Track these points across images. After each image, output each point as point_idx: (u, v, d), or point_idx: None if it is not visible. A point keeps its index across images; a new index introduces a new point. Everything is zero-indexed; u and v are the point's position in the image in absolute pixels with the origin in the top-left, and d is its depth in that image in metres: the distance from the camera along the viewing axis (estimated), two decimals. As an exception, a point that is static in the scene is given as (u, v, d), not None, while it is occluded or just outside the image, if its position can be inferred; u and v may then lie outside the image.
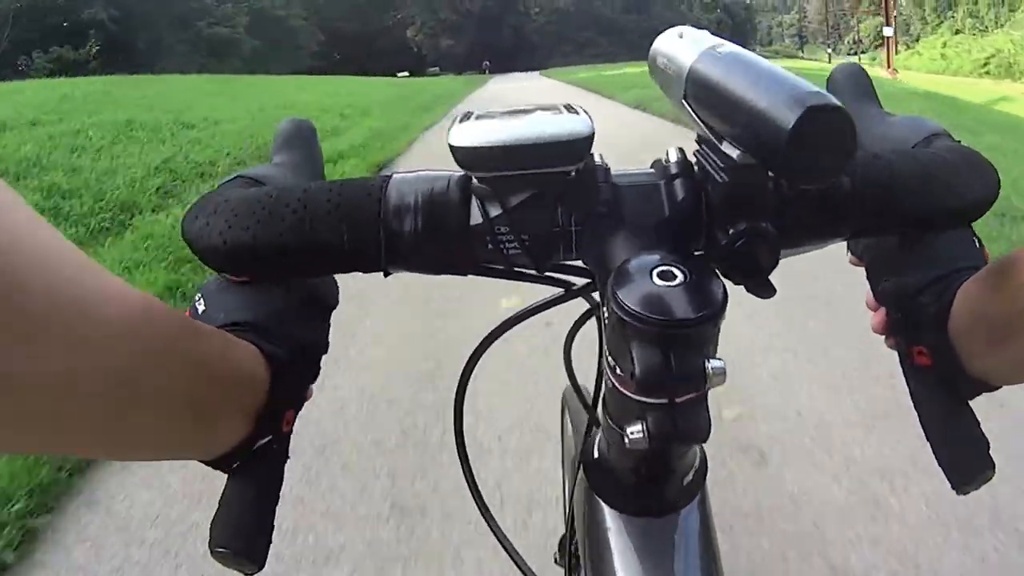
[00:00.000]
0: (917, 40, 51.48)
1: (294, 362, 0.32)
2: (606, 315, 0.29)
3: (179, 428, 0.27)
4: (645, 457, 0.34)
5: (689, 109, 0.30)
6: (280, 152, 0.40)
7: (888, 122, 0.40)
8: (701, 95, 0.29)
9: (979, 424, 0.34)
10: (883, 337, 0.39)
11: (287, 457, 0.34)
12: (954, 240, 0.36)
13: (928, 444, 0.35)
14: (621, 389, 0.29)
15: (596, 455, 0.38)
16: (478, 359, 0.41)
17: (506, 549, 0.48)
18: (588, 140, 0.30)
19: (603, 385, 0.33)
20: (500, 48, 52.56)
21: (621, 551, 0.35)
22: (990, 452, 0.33)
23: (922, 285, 0.35)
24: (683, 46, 0.31)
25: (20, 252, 0.20)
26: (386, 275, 0.34)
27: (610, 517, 0.36)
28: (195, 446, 0.29)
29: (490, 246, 0.33)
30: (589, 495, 0.38)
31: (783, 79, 0.25)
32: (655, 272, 0.28)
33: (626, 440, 0.28)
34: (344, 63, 44.07)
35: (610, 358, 0.30)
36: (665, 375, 0.26)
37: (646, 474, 0.35)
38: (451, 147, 0.30)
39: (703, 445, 0.35)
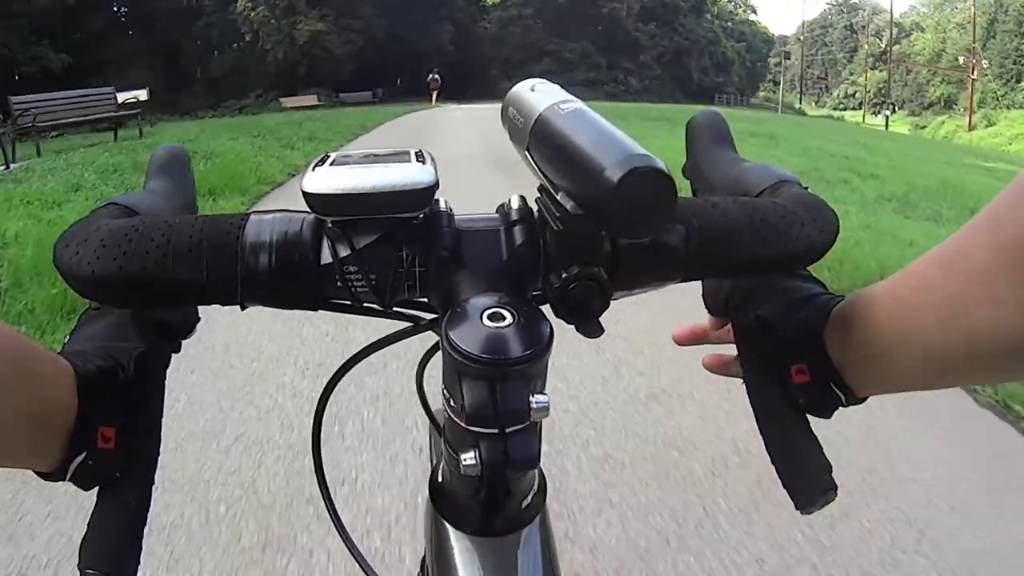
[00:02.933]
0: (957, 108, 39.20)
1: (103, 380, 0.33)
2: (441, 351, 0.31)
3: (15, 441, 0.29)
4: (483, 481, 0.35)
5: (530, 159, 0.33)
6: (154, 179, 0.41)
7: (741, 168, 0.41)
8: (541, 147, 0.32)
9: (822, 448, 0.37)
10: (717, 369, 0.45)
11: (152, 479, 0.35)
12: (807, 279, 0.40)
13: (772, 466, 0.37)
14: (455, 419, 0.32)
15: (440, 479, 0.40)
16: (329, 394, 0.43)
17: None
18: (431, 189, 0.32)
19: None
20: (426, 59, 27.49)
21: (463, 569, 0.37)
22: (832, 475, 0.36)
23: (797, 302, 0.38)
24: (533, 98, 0.33)
25: None
26: (243, 308, 0.35)
27: (454, 537, 0.38)
28: (29, 458, 0.31)
29: (339, 284, 0.34)
30: (435, 517, 0.39)
31: (613, 139, 0.28)
32: (485, 314, 0.31)
33: (461, 467, 0.31)
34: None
35: (445, 391, 0.32)
36: (491, 410, 0.29)
37: (485, 497, 0.36)
38: (303, 192, 0.32)
39: (542, 469, 0.39)
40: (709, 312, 0.44)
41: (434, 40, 28.68)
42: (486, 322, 0.30)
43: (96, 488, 0.34)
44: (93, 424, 0.32)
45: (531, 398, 0.30)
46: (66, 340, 0.36)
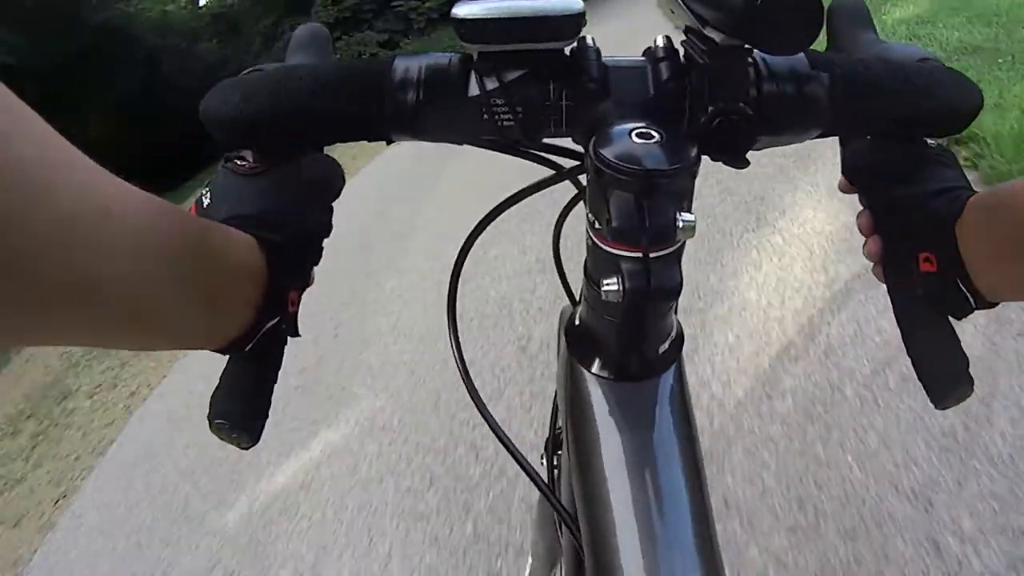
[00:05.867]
0: None
1: (291, 246, 0.34)
2: (588, 175, 0.32)
3: (193, 319, 0.29)
4: (621, 320, 0.35)
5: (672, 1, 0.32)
6: (294, 56, 0.40)
7: (882, 47, 0.40)
8: None
9: (960, 343, 0.36)
10: (872, 265, 0.40)
11: (292, 335, 0.36)
12: (951, 164, 0.37)
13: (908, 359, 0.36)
14: (599, 243, 0.32)
15: (577, 323, 0.40)
16: (471, 244, 0.43)
17: (501, 440, 0.45)
18: (579, 17, 0.31)
19: (586, 255, 0.35)
20: None
21: (600, 413, 0.36)
22: (970, 370, 0.35)
23: (934, 191, 0.36)
24: None
25: (45, 162, 0.20)
26: (389, 142, 0.36)
27: (589, 382, 0.37)
28: (208, 335, 0.31)
29: (486, 117, 0.35)
30: (571, 363, 0.38)
31: None
32: (634, 133, 0.31)
33: (602, 293, 0.31)
34: None
35: (590, 215, 0.33)
36: (638, 222, 0.29)
37: (623, 338, 0.36)
38: (453, 18, 0.31)
39: (679, 320, 0.39)
40: (845, 177, 0.42)
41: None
42: (635, 139, 0.31)
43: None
44: (285, 289, 0.33)
45: (678, 215, 0.29)
46: (204, 196, 0.35)
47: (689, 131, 0.34)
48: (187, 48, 14.35)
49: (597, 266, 0.33)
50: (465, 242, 0.43)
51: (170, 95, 14.12)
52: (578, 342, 0.38)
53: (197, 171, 14.14)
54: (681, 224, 0.29)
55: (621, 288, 0.30)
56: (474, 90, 0.34)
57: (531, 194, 0.41)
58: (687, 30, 0.34)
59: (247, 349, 0.32)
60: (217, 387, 0.34)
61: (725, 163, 0.33)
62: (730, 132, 0.32)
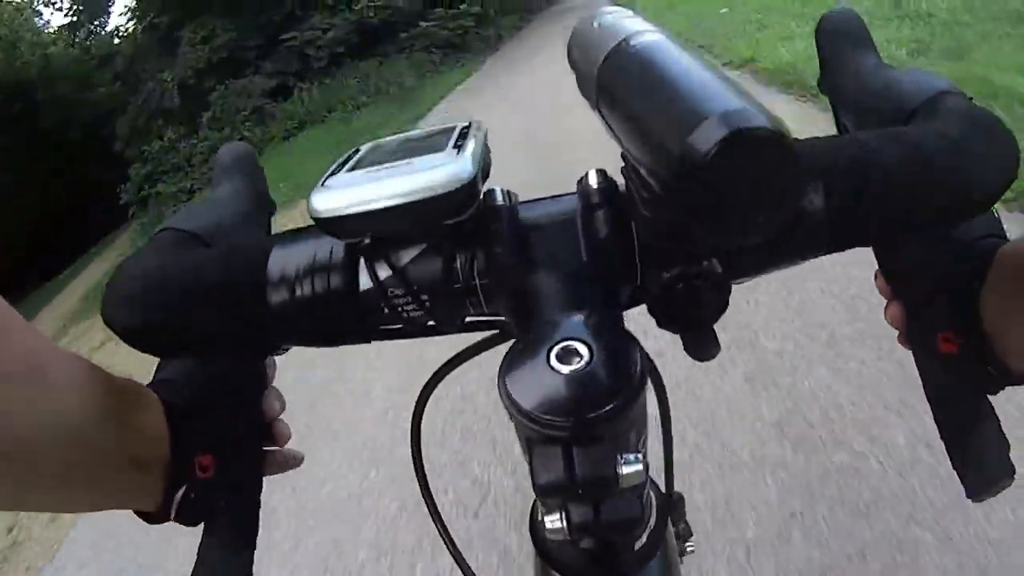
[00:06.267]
0: None
1: (195, 410, 0.32)
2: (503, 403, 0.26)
3: (115, 481, 0.28)
4: (579, 543, 0.30)
5: (603, 119, 0.25)
6: (219, 185, 0.37)
7: (887, 77, 0.32)
8: (610, 104, 0.24)
9: (999, 425, 0.31)
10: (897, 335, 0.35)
11: (257, 507, 0.33)
12: None
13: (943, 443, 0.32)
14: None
15: (540, 517, 0.34)
16: (421, 414, 0.39)
17: None
18: (470, 187, 0.25)
19: None
20: None
21: None
22: (1010, 456, 0.30)
23: (954, 249, 0.30)
24: (598, 36, 0.25)
25: None
26: (280, 352, 0.32)
27: None
28: (128, 498, 0.29)
29: (387, 311, 0.29)
30: (542, 565, 0.34)
31: (700, 86, 0.20)
32: (552, 353, 0.24)
33: (546, 529, 0.26)
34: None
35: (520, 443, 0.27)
36: (565, 483, 0.23)
37: (584, 555, 0.32)
38: (312, 216, 0.26)
39: (659, 488, 0.33)
40: None
41: None
42: (554, 363, 0.23)
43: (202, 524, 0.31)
44: (188, 454, 0.31)
45: (619, 458, 0.23)
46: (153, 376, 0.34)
47: (639, 302, 0.28)
48: (72, 96, 11.86)
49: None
50: (415, 412, 0.38)
51: (53, 152, 11.72)
52: (543, 543, 0.33)
53: (87, 246, 11.67)
54: (625, 471, 0.23)
55: (565, 527, 0.25)
56: (366, 282, 0.28)
57: (474, 355, 0.35)
58: (624, 155, 0.25)
59: (172, 516, 0.30)
60: (193, 569, 0.31)
61: (687, 345, 0.27)
62: (694, 302, 0.25)
